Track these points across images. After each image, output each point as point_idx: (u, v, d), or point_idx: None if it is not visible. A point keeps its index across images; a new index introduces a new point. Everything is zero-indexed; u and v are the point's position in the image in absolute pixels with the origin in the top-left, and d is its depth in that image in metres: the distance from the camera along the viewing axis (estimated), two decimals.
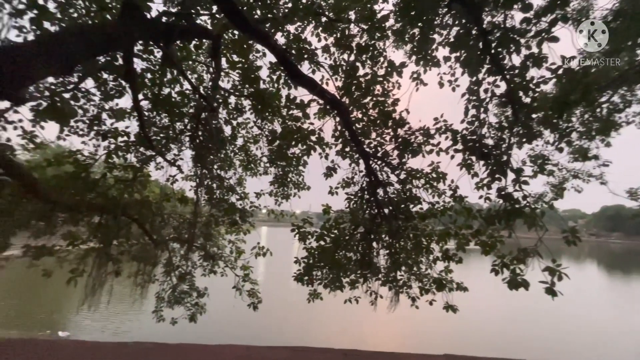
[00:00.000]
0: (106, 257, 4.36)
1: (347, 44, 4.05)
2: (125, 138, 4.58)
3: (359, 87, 4.54)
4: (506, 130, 3.30)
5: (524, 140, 3.35)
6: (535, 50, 2.80)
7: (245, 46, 4.51)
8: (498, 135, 3.39)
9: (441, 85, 4.14)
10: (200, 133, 4.75)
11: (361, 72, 4.48)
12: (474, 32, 2.93)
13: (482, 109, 3.21)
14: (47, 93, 3.86)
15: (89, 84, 4.29)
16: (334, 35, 4.53)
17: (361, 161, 4.66)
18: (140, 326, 12.46)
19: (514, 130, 3.23)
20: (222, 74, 5.13)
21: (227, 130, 5.48)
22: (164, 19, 3.54)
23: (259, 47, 5.26)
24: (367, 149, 4.54)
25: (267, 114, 5.01)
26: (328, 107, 4.39)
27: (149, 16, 3.16)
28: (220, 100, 5.07)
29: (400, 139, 4.31)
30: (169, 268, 5.52)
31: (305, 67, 4.37)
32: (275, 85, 5.02)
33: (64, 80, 3.91)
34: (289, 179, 5.91)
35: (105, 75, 4.28)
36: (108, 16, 3.82)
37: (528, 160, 3.66)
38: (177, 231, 5.50)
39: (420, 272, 4.75)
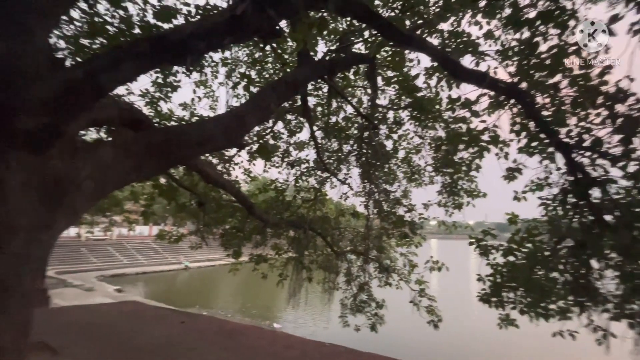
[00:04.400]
0: (301, 265, 5.25)
1: (522, 18, 3.40)
2: (306, 165, 5.54)
3: (540, 67, 3.69)
4: None
5: None
6: None
7: (397, 59, 4.56)
8: None
9: None
10: (364, 151, 5.08)
11: (543, 47, 3.63)
12: None
13: None
14: (255, 138, 5.22)
15: (279, 124, 5.49)
16: (499, 16, 3.91)
17: (558, 155, 3.69)
18: (326, 329, 14.13)
19: None
20: (379, 91, 5.36)
21: (389, 144, 5.63)
22: (326, 57, 4.09)
23: (411, 56, 5.21)
24: (566, 139, 3.56)
25: (427, 121, 4.84)
26: (502, 98, 3.78)
27: (316, 59, 3.73)
28: (380, 117, 5.29)
29: (622, 118, 3.15)
30: (349, 277, 6.03)
31: (466, 61, 3.97)
32: (433, 89, 4.78)
33: (264, 126, 5.16)
34: (459, 187, 5.39)
35: (289, 116, 5.36)
36: (288, 69, 4.77)
37: None
38: (352, 243, 6.01)
39: None
